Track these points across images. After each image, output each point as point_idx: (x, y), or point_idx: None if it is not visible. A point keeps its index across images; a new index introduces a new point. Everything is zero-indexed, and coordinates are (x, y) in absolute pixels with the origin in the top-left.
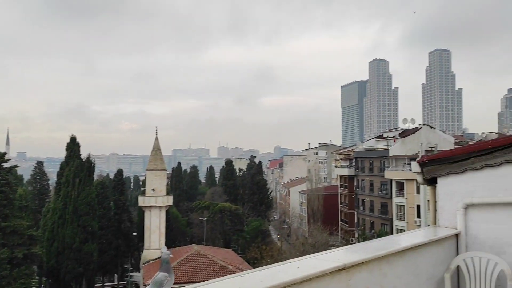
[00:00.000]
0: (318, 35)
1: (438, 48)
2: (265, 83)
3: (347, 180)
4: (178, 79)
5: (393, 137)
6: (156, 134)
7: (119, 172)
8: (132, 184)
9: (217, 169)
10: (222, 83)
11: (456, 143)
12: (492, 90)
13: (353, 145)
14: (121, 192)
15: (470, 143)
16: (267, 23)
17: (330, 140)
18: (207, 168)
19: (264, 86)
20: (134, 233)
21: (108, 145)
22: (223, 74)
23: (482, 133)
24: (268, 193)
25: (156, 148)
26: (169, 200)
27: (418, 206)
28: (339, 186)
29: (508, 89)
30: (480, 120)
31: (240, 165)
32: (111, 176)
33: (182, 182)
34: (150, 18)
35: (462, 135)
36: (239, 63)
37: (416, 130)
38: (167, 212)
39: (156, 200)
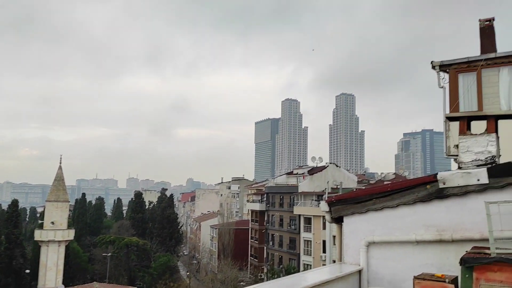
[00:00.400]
0: (236, 72)
1: (344, 92)
2: (181, 115)
3: (258, 215)
4: (89, 105)
5: (303, 174)
6: (60, 162)
7: (14, 203)
8: (28, 216)
9: (125, 202)
10: (137, 113)
11: (358, 182)
12: (390, 134)
13: (265, 180)
14: (15, 225)
15: (371, 182)
16: (186, 56)
17: (243, 175)
18: (115, 200)
19: (180, 118)
20: (27, 270)
21: (2, 173)
22: (138, 104)
23: (382, 173)
24: (179, 227)
25: (59, 178)
26: (70, 234)
27: (324, 242)
28: (250, 221)
29: (404, 133)
30: (379, 161)
31: (151, 197)
32: (4, 207)
33: (85, 214)
34: (63, 40)
35: (364, 174)
36: (156, 93)
37: (323, 168)
38: (67, 247)
39: (55, 234)
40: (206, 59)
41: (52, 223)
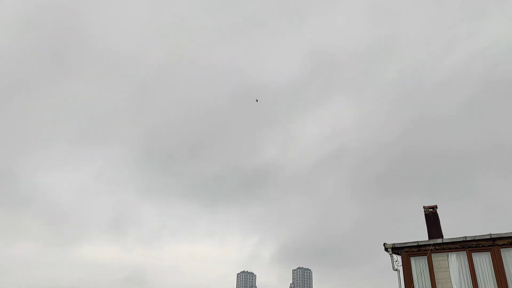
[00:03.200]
0: (199, 241)
1: (300, 266)
2: (135, 287)
3: None
4: (35, 274)
5: None
6: None
7: None
8: None
9: None
10: (88, 283)
11: None
12: None
13: None
14: None
15: None
16: (149, 225)
17: None
18: None
19: None
20: None
21: None
22: (91, 273)
23: None
24: None
25: None
26: None
27: None
28: None
29: None
30: None
31: None
32: None
33: None
34: (24, 207)
35: None
36: (112, 263)
37: None
38: None
39: None
40: (170, 228)
41: None
